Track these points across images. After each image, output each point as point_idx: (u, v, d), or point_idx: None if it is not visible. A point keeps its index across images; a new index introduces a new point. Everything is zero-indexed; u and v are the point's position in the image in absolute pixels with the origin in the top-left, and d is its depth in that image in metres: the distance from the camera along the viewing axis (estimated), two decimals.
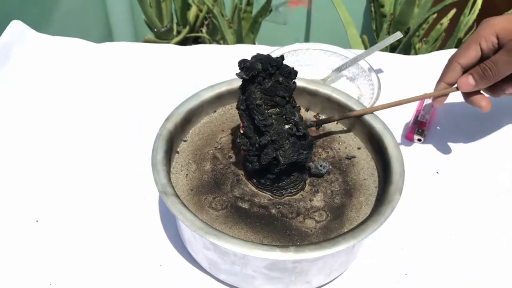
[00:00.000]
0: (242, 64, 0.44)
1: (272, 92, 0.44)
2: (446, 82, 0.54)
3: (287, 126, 0.44)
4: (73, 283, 0.47)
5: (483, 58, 0.52)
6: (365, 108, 0.52)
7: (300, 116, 0.46)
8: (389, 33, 1.22)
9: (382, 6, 1.25)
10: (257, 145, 0.44)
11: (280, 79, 0.43)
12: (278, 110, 0.44)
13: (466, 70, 0.53)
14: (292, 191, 0.47)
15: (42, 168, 0.57)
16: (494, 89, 0.53)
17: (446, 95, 0.54)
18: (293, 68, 0.44)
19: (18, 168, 0.57)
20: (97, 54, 0.72)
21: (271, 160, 0.44)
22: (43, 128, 0.62)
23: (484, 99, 0.53)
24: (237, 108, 0.46)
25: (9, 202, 0.53)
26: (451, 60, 0.54)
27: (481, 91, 0.54)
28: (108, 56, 0.72)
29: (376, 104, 0.60)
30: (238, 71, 0.44)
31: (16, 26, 0.72)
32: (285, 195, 0.47)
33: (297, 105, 0.46)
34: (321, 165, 0.48)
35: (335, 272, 0.47)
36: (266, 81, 0.43)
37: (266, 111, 0.44)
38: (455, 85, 0.53)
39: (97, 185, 0.55)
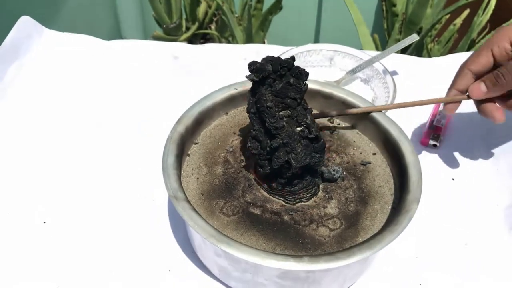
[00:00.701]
0: (252, 66, 0.42)
1: (283, 94, 0.42)
2: (457, 89, 0.52)
3: (298, 129, 0.43)
4: (80, 287, 0.46)
5: (496, 65, 0.51)
6: (373, 107, 0.50)
7: (312, 118, 0.44)
8: (400, 33, 1.20)
9: (394, 5, 1.23)
10: (268, 149, 0.43)
11: (291, 80, 0.42)
12: (290, 112, 0.43)
13: (478, 78, 0.52)
14: (305, 196, 0.46)
15: (50, 168, 0.56)
16: (508, 101, 0.51)
17: (458, 102, 0.52)
18: (304, 69, 0.43)
19: (24, 167, 0.56)
20: (106, 51, 0.71)
21: (283, 164, 0.43)
22: (51, 125, 0.61)
23: (499, 110, 0.51)
24: (248, 111, 0.45)
25: (17, 203, 0.53)
26: (462, 67, 0.52)
27: (496, 103, 0.52)
28: (117, 54, 0.71)
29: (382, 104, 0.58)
30: (248, 73, 0.43)
31: (25, 22, 0.71)
32: (297, 200, 0.46)
33: (309, 107, 0.45)
34: (334, 170, 0.47)
35: (348, 281, 0.45)
36: (277, 83, 0.42)
37: (277, 113, 0.43)
38: (467, 93, 0.52)
39: (106, 185, 0.55)
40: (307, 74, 0.43)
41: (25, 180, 0.55)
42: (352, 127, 0.53)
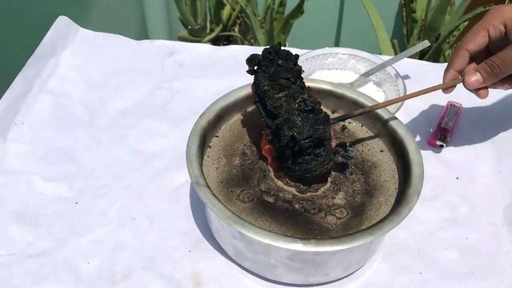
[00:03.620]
0: (247, 60, 0.49)
1: (276, 76, 0.47)
2: (454, 69, 0.55)
3: (296, 105, 0.47)
4: (104, 265, 0.51)
5: (489, 45, 0.53)
6: (380, 105, 0.54)
7: (309, 95, 0.49)
8: (419, 39, 1.23)
9: (414, 12, 1.26)
10: (274, 129, 0.47)
11: (280, 62, 0.48)
12: (286, 92, 0.48)
13: (473, 56, 0.54)
14: (321, 171, 0.48)
15: (84, 152, 0.61)
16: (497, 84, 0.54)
17: (454, 86, 0.55)
18: (290, 52, 0.49)
19: (61, 151, 0.61)
20: (136, 50, 0.76)
21: (289, 141, 0.46)
22: (84, 115, 0.66)
23: (484, 88, 0.54)
24: (254, 102, 0.49)
25: (52, 185, 0.58)
26: (459, 47, 0.54)
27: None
28: (146, 52, 0.76)
29: (394, 105, 0.62)
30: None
31: (62, 21, 0.76)
32: (310, 188, 0.49)
33: (307, 86, 0.49)
34: (348, 149, 0.52)
35: (352, 266, 0.49)
36: (269, 68, 0.48)
37: (276, 95, 0.48)
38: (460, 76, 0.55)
39: (132, 174, 0.59)
40: (296, 56, 0.49)
41: (61, 164, 0.60)
42: (362, 125, 0.56)
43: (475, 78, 0.53)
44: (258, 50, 0.76)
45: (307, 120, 0.46)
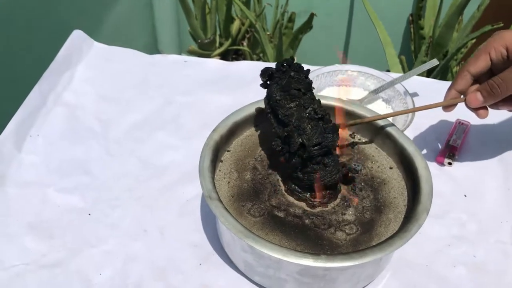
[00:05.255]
0: (261, 72, 0.51)
1: (288, 86, 0.49)
2: (456, 90, 0.57)
3: (307, 113, 0.49)
4: (116, 276, 0.52)
5: (493, 68, 0.55)
6: (386, 119, 0.56)
7: (320, 105, 0.50)
8: (427, 55, 1.24)
9: (422, 28, 1.27)
10: (284, 137, 0.49)
11: (292, 73, 0.50)
12: (297, 102, 0.50)
13: (476, 79, 0.56)
14: (329, 181, 0.49)
15: (96, 164, 0.62)
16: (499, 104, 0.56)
17: (455, 104, 0.57)
18: (301, 65, 0.51)
19: (75, 162, 0.62)
20: (148, 64, 0.78)
21: (299, 148, 0.48)
22: (97, 127, 0.67)
23: (484, 108, 0.56)
24: (266, 114, 0.51)
25: (65, 197, 0.59)
26: (462, 69, 0.56)
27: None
28: (159, 67, 0.77)
29: (403, 122, 0.63)
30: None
31: (77, 35, 0.78)
32: (319, 202, 0.50)
33: (317, 99, 0.51)
34: (355, 164, 0.53)
35: (362, 282, 0.50)
36: (282, 80, 0.50)
37: (287, 105, 0.49)
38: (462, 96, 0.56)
39: (144, 186, 0.60)
40: (308, 70, 0.51)
41: (74, 175, 0.61)
42: (371, 142, 0.57)
43: (475, 97, 0.55)
44: (268, 65, 0.78)
45: (316, 127, 0.48)
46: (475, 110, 0.56)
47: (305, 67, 0.76)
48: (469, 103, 0.55)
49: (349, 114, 0.58)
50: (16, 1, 0.87)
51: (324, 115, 0.49)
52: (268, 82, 0.52)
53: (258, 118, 0.58)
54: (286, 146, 0.49)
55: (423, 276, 0.53)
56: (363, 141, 0.58)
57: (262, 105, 0.57)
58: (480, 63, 0.55)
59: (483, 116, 0.56)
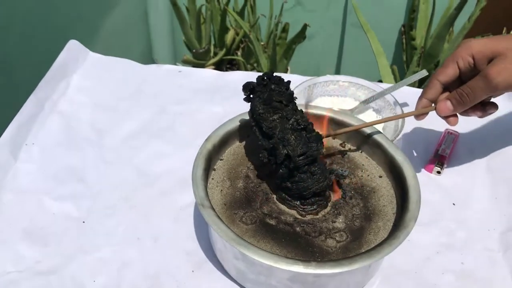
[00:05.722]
0: (243, 87, 0.53)
1: (270, 99, 0.51)
2: (427, 98, 0.58)
3: (289, 124, 0.50)
4: (109, 283, 0.52)
5: (461, 75, 0.56)
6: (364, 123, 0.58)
7: (302, 115, 0.51)
8: (419, 65, 1.26)
9: (414, 39, 1.29)
10: (270, 149, 0.50)
11: (273, 86, 0.51)
12: (280, 114, 0.51)
13: (445, 87, 0.57)
14: (317, 189, 0.50)
15: (92, 171, 0.63)
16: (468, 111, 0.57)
17: (426, 113, 0.59)
18: (282, 78, 0.53)
19: (70, 169, 0.63)
20: (144, 74, 0.79)
21: (285, 159, 0.49)
22: (93, 142, 0.68)
23: (454, 116, 0.58)
24: (251, 127, 0.53)
25: (60, 204, 0.60)
26: (431, 78, 0.58)
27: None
28: (154, 77, 0.79)
29: (392, 132, 0.64)
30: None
31: (73, 45, 0.79)
32: (309, 210, 0.51)
33: (300, 109, 0.52)
34: (342, 169, 0.54)
35: None
36: (264, 93, 0.51)
37: (270, 118, 0.51)
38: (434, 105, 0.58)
39: (139, 194, 0.61)
40: (288, 82, 0.53)
41: (69, 183, 0.62)
42: (362, 151, 0.58)
43: (445, 105, 0.56)
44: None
45: (300, 138, 0.49)
46: (445, 118, 0.58)
47: (298, 78, 0.78)
48: (440, 111, 0.57)
49: (339, 124, 0.59)
50: (13, 10, 0.88)
51: (306, 125, 0.50)
52: (251, 96, 0.53)
53: (250, 127, 0.59)
54: (273, 157, 0.50)
55: (412, 283, 0.54)
56: (353, 149, 0.59)
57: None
58: (448, 72, 0.56)
59: (453, 124, 0.58)
